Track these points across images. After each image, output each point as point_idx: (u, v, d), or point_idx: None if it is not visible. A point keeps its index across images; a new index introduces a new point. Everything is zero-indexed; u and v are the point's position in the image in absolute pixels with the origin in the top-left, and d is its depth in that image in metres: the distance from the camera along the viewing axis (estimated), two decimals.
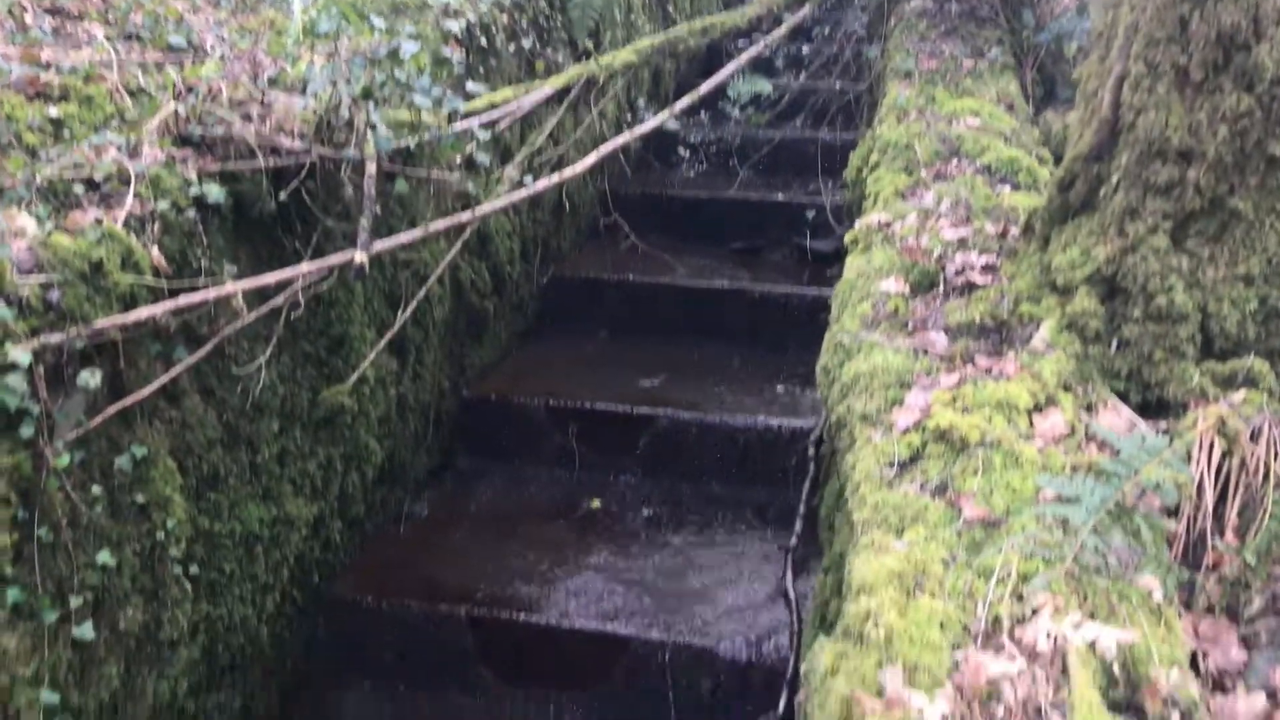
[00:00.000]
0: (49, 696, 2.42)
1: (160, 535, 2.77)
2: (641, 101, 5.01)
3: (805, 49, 5.98)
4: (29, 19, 3.85)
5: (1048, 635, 1.44)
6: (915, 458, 1.86)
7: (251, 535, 3.19)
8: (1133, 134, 2.02)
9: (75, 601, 2.50)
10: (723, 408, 4.59)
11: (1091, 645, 1.42)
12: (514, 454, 4.62)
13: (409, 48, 3.01)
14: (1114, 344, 2.03)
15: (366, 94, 2.95)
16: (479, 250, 4.68)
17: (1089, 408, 1.96)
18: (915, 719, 1.34)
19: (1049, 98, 4.46)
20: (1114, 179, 2.08)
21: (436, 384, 4.39)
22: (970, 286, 2.35)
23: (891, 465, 1.85)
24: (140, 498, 2.68)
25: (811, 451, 4.25)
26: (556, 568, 3.87)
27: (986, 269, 2.41)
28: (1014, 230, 2.58)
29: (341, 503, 3.70)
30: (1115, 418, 1.91)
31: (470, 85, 3.26)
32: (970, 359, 2.09)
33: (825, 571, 2.79)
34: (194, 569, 2.92)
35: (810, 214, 5.74)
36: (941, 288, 2.39)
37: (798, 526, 4.01)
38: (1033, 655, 1.43)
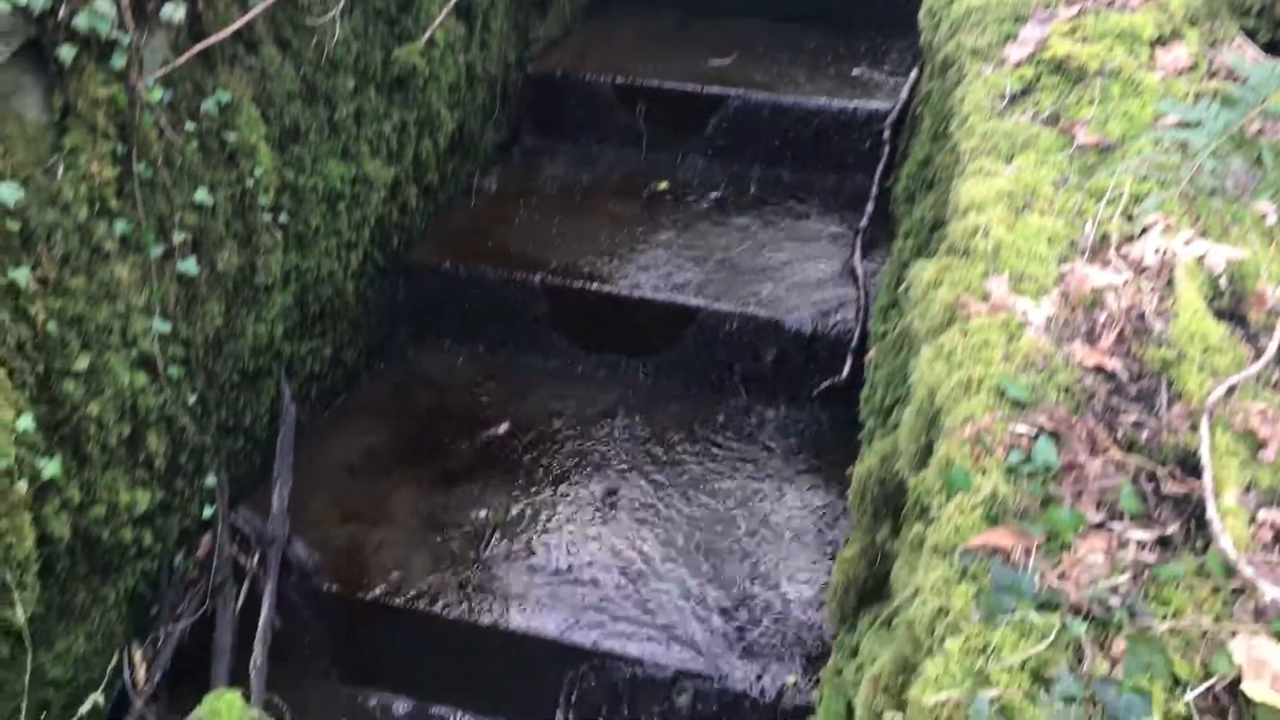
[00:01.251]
0: (160, 325, 2.56)
1: (249, 182, 2.82)
2: None
3: None
4: None
5: (1156, 251, 1.45)
6: (1027, 90, 1.81)
7: (334, 192, 3.24)
8: None
9: (177, 237, 2.59)
10: (796, 89, 4.46)
11: (1200, 259, 1.43)
12: (580, 133, 4.57)
13: None
14: None
15: None
16: None
17: (1214, 43, 1.87)
18: (1020, 320, 1.38)
19: None
20: None
21: (502, 56, 4.29)
22: None
23: (1002, 97, 1.80)
24: (230, 139, 2.70)
25: (887, 134, 4.16)
26: (626, 244, 3.92)
27: None
28: None
29: (416, 168, 3.72)
30: (1242, 56, 1.83)
31: None
32: None
33: (905, 237, 2.80)
34: (283, 218, 2.99)
35: None
36: None
37: (869, 207, 3.99)
38: (1139, 269, 1.45)
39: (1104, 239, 1.49)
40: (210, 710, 2.29)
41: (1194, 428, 1.24)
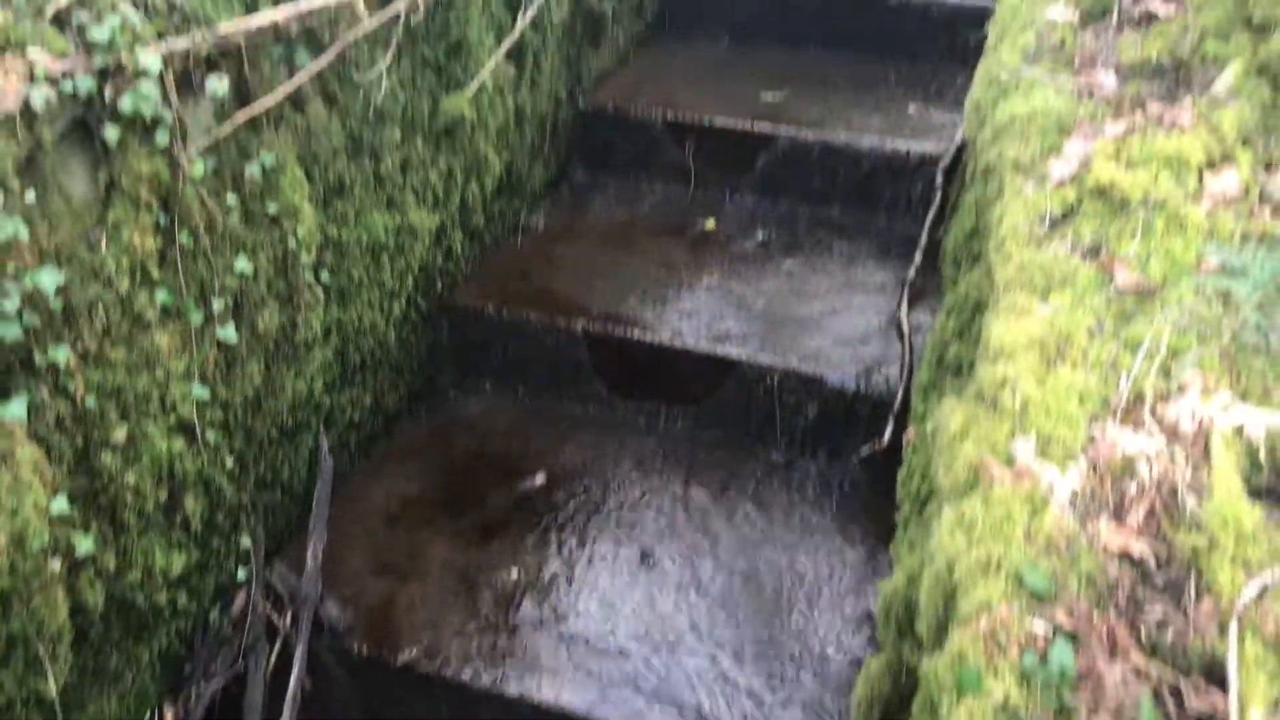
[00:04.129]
0: (199, 391, 2.60)
1: (292, 243, 2.84)
2: None
3: None
4: None
5: (1192, 415, 1.39)
6: (1068, 214, 1.75)
7: (377, 243, 3.25)
8: None
9: (217, 305, 2.62)
10: (848, 127, 4.39)
11: (1239, 429, 1.38)
12: (629, 167, 4.56)
13: None
14: None
15: None
16: None
17: (1269, 165, 1.79)
18: (1045, 492, 1.34)
19: None
20: None
21: (553, 93, 4.28)
22: (1149, 18, 2.12)
23: (1042, 221, 1.75)
24: (271, 207, 2.72)
25: (939, 180, 4.07)
26: (670, 287, 3.89)
27: None
28: None
29: (462, 213, 3.73)
30: None
31: None
32: (1141, 104, 1.91)
33: (948, 313, 2.74)
34: (324, 275, 3.01)
35: None
36: (1116, 17, 2.16)
37: (917, 258, 3.91)
38: (1174, 435, 1.40)
39: (1138, 397, 1.44)
40: None
41: (1222, 630, 1.19)
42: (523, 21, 3.35)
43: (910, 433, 2.74)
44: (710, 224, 4.32)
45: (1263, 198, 1.71)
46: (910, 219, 4.29)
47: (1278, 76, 1.85)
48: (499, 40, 3.67)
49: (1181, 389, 1.43)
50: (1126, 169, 1.74)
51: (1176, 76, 1.98)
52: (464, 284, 3.85)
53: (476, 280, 3.90)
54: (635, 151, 4.53)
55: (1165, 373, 1.46)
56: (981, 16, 4.55)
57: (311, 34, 2.79)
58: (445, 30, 3.42)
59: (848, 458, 3.51)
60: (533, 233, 4.24)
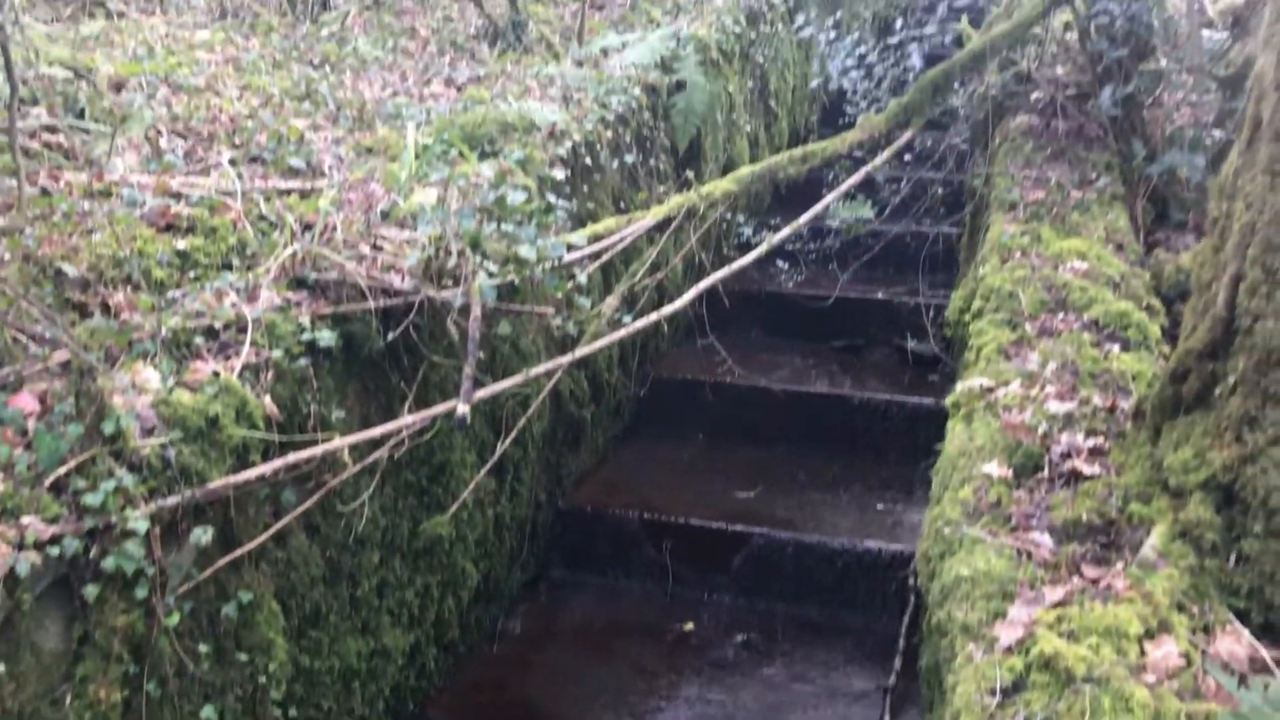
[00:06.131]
0: None
1: (262, 679, 2.83)
2: (740, 218, 5.03)
3: (906, 155, 5.93)
4: (163, 143, 4.08)
5: None
6: (1018, 686, 1.79)
7: (349, 670, 3.24)
8: (1250, 339, 1.94)
9: None
10: (819, 527, 4.52)
11: None
12: (607, 566, 4.63)
13: (515, 197, 3.08)
14: (1232, 558, 1.94)
15: (474, 243, 3.02)
16: (578, 360, 4.72)
17: (1206, 629, 1.86)
18: None
19: (1161, 220, 4.34)
20: (1230, 380, 2.00)
21: (533, 497, 4.43)
22: (1077, 476, 2.28)
23: (993, 693, 1.79)
24: (243, 651, 2.74)
25: (912, 581, 4.14)
26: (648, 699, 3.83)
27: (1094, 453, 2.33)
28: (1123, 405, 2.49)
29: (437, 628, 3.74)
30: (1235, 644, 1.81)
31: (573, 236, 3.32)
32: (1077, 568, 2.01)
33: None
34: (293, 711, 2.97)
35: (911, 313, 5.68)
36: (1046, 472, 2.32)
37: (896, 664, 3.90)
38: None
39: None
40: None
41: None
42: (503, 445, 3.54)
43: None
44: (689, 626, 4.32)
45: (1205, 669, 1.77)
46: (887, 617, 4.31)
47: (1200, 541, 1.97)
48: (481, 457, 3.86)
49: None
50: (1069, 641, 1.81)
51: (1107, 535, 2.10)
52: (436, 697, 3.78)
53: (449, 692, 3.84)
54: (613, 550, 4.61)
55: None
56: (935, 415, 4.86)
57: (298, 477, 2.94)
58: (429, 455, 3.60)
59: None
60: (509, 637, 4.22)
